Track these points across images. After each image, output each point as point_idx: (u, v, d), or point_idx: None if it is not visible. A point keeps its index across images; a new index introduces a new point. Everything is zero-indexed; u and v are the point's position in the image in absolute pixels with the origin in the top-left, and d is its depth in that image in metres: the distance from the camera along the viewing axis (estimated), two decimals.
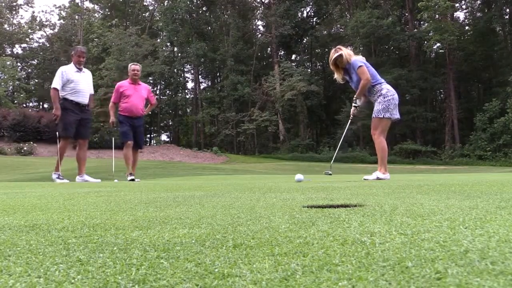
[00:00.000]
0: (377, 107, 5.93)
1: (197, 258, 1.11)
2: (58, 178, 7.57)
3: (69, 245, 1.33)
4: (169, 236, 1.43)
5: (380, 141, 5.99)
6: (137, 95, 8.26)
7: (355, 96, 6.24)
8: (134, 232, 1.53)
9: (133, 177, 8.00)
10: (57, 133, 7.66)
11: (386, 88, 5.99)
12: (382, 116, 5.89)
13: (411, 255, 1.07)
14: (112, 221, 1.84)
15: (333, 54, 6.21)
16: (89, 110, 7.91)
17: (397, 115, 6.03)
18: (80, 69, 7.65)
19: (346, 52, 6.14)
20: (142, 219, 1.90)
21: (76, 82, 7.51)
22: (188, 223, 1.74)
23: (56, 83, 7.44)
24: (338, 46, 6.32)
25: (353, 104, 6.38)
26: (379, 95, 5.93)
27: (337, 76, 6.33)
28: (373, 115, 5.96)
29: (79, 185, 5.60)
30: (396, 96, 6.01)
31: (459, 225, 1.49)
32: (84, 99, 7.62)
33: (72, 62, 7.70)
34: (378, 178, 5.71)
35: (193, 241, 1.34)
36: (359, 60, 6.08)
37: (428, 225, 1.51)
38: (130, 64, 8.63)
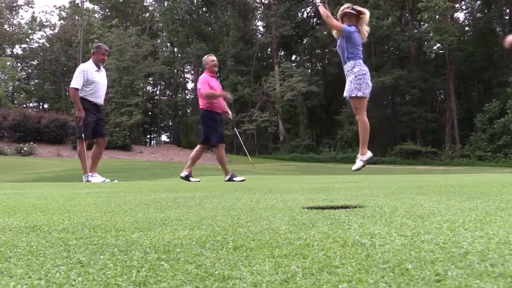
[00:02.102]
0: (349, 86, 5.86)
1: (197, 260, 1.12)
2: (92, 176, 7.49)
3: (69, 247, 1.33)
4: (170, 238, 1.43)
5: (365, 122, 5.95)
6: (219, 89, 7.75)
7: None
8: (135, 234, 1.54)
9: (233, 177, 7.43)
10: (76, 135, 7.64)
11: (359, 68, 5.87)
12: (355, 95, 5.83)
13: (411, 257, 1.07)
14: (113, 223, 1.84)
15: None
16: (104, 109, 7.91)
17: (366, 94, 5.91)
18: (99, 68, 7.59)
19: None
20: (143, 220, 1.90)
21: (96, 83, 7.44)
22: (188, 224, 1.74)
23: (77, 82, 7.32)
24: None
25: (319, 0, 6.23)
26: (351, 73, 5.86)
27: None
28: (347, 94, 5.88)
29: (79, 186, 5.60)
30: (368, 74, 5.91)
31: (459, 227, 1.49)
32: (101, 100, 7.60)
33: (91, 60, 7.62)
34: (363, 162, 5.71)
35: (194, 243, 1.34)
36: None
37: (428, 227, 1.51)
38: (206, 56, 7.86)
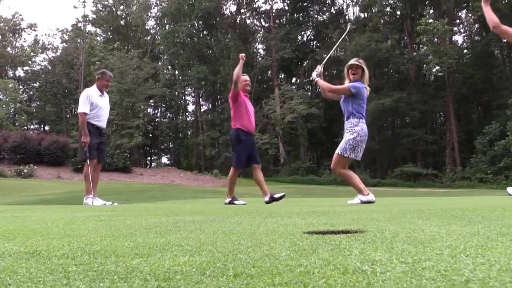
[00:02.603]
0: (344, 144, 5.79)
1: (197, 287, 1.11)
2: (94, 199, 7.56)
3: (69, 274, 1.32)
4: (170, 264, 1.43)
5: (344, 174, 5.90)
6: (251, 109, 7.51)
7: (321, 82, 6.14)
8: (135, 260, 1.53)
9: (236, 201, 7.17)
10: (80, 159, 7.71)
11: (361, 128, 5.82)
12: (347, 156, 5.78)
13: (412, 285, 1.06)
14: (112, 248, 1.83)
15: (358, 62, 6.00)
16: (106, 133, 8.05)
17: (358, 157, 5.89)
18: (102, 93, 7.78)
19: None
20: (143, 245, 1.89)
21: (99, 107, 7.64)
22: (188, 250, 1.73)
23: (84, 107, 7.51)
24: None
25: (316, 75, 6.21)
26: (352, 131, 5.80)
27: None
28: (338, 152, 5.80)
29: (79, 209, 5.58)
30: (366, 138, 5.86)
31: (460, 253, 1.48)
32: (103, 123, 7.79)
33: (95, 85, 7.80)
34: (362, 202, 5.64)
35: (194, 270, 1.33)
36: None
37: (429, 253, 1.50)
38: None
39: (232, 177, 7.35)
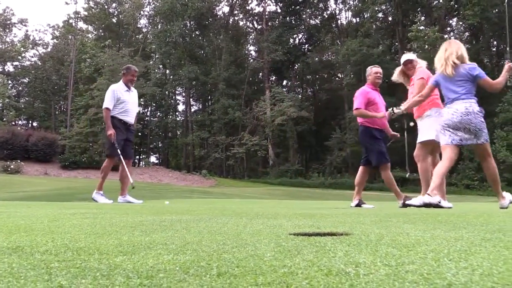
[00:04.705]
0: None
1: (180, 286, 1.10)
2: (101, 196, 7.55)
3: (51, 270, 1.31)
4: (153, 262, 1.42)
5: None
6: (382, 103, 6.87)
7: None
8: (118, 257, 1.52)
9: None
10: (106, 153, 7.68)
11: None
12: None
13: None
14: (96, 245, 1.81)
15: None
16: (134, 129, 7.98)
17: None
18: (129, 88, 7.71)
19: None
20: (127, 243, 1.88)
21: (126, 102, 7.57)
22: (173, 249, 1.72)
23: (108, 103, 7.47)
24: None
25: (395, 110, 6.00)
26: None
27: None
28: None
29: (64, 206, 5.53)
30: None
31: (444, 257, 1.49)
32: (131, 118, 7.71)
33: (121, 81, 7.75)
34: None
35: (177, 268, 1.32)
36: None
37: (413, 257, 1.51)
38: (370, 67, 7.09)
39: (385, 177, 6.84)
